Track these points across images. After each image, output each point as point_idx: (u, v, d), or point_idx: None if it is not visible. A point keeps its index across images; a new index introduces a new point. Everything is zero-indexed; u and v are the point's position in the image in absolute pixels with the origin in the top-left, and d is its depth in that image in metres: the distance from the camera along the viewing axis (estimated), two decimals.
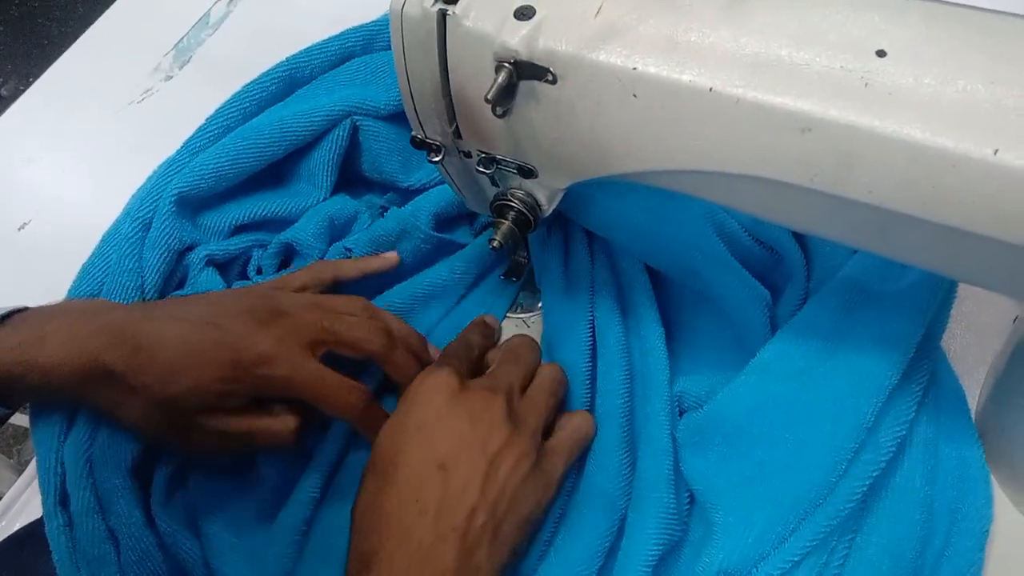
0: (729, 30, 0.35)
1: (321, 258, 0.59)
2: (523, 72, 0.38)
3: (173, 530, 0.48)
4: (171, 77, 0.74)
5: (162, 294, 0.56)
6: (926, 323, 0.46)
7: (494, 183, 0.47)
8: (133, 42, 0.77)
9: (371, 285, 0.57)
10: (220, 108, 0.61)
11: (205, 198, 0.58)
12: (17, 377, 0.45)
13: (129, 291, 0.54)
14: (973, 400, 0.50)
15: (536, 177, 0.44)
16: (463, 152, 0.45)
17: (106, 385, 0.46)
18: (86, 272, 0.56)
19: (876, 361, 0.45)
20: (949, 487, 0.46)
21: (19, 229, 0.67)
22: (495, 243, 0.47)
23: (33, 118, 0.74)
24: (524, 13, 0.37)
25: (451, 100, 0.41)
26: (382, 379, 0.53)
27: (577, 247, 0.55)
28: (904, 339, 0.45)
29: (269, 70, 0.62)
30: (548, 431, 0.48)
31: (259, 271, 0.59)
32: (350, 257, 0.58)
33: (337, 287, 0.56)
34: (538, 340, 0.55)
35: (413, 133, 0.46)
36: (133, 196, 0.58)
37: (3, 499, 0.57)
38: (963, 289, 0.51)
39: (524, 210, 0.46)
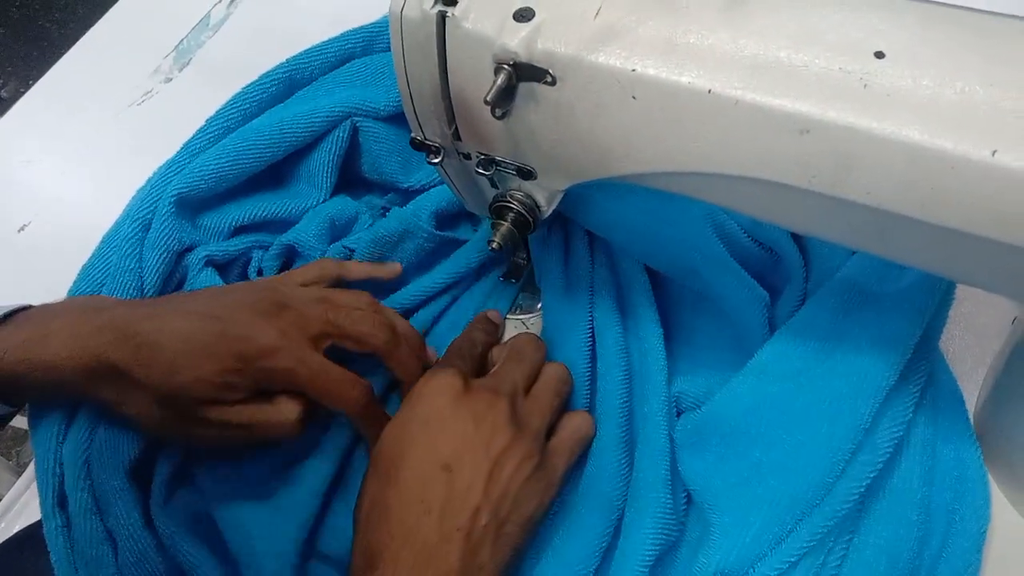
0: (728, 32, 0.35)
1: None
2: (522, 74, 0.38)
3: (172, 531, 0.48)
4: (171, 79, 0.74)
5: (161, 295, 0.56)
6: (924, 324, 0.46)
7: (493, 185, 0.47)
8: (133, 44, 0.77)
9: (373, 285, 0.57)
10: (220, 109, 0.61)
11: (205, 199, 0.58)
12: (22, 375, 0.45)
13: (129, 292, 0.54)
14: (972, 401, 0.50)
15: (535, 179, 0.44)
16: (462, 154, 0.45)
17: (110, 381, 0.46)
18: (86, 273, 0.56)
19: (874, 362, 0.45)
20: (947, 488, 0.46)
21: (19, 230, 0.67)
22: (494, 244, 0.47)
23: (33, 120, 0.74)
24: (523, 15, 0.37)
25: (450, 102, 0.42)
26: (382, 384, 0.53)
27: (577, 247, 0.55)
28: (902, 340, 0.45)
29: (269, 72, 0.62)
30: (550, 430, 0.48)
31: (259, 272, 0.59)
32: (351, 257, 0.59)
33: (341, 285, 0.56)
34: None
35: (412, 135, 0.46)
36: (133, 197, 0.58)
37: (2, 501, 0.56)
38: (962, 290, 0.51)
39: (523, 212, 0.46)
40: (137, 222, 0.56)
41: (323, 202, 0.61)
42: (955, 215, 0.32)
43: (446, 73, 0.40)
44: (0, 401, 0.48)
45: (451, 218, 0.61)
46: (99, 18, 0.80)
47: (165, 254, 0.55)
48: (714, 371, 0.51)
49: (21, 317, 0.48)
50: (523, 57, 0.37)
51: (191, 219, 0.58)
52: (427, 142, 0.46)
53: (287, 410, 0.48)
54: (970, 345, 0.53)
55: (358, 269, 0.57)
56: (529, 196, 0.46)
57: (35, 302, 0.50)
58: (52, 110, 0.74)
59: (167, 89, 0.74)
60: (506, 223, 0.47)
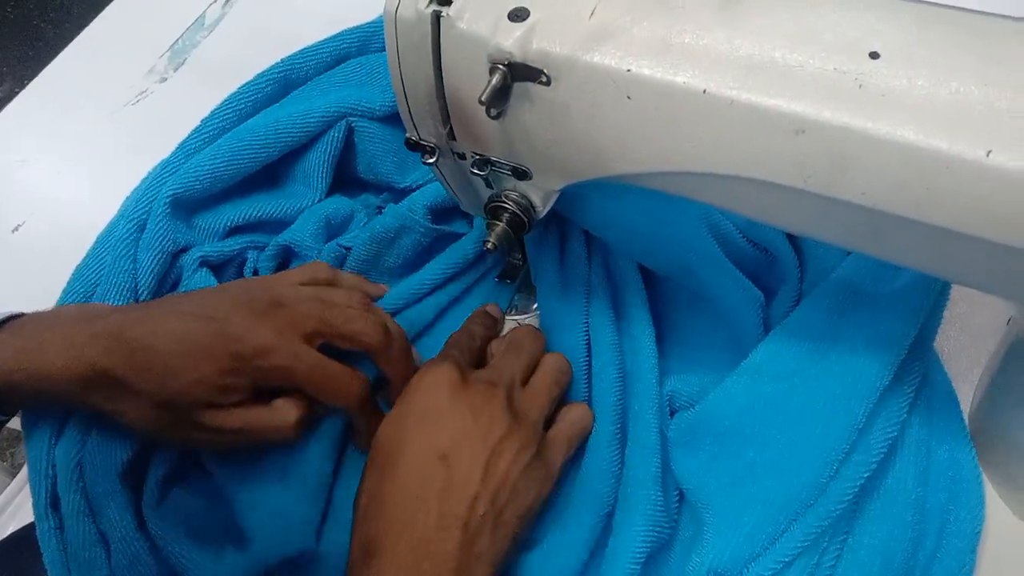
0: (723, 32, 0.35)
1: (318, 259, 0.58)
2: (517, 74, 0.38)
3: (164, 533, 0.48)
4: (166, 79, 0.74)
5: (156, 295, 0.55)
6: (918, 324, 0.46)
7: (488, 185, 0.47)
8: (128, 44, 0.77)
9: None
10: (215, 110, 0.61)
11: (200, 200, 0.58)
12: (17, 384, 0.45)
13: (123, 292, 0.54)
14: (967, 401, 0.50)
15: (530, 179, 0.44)
16: (457, 154, 0.45)
17: (106, 389, 0.46)
18: (80, 273, 0.55)
19: (868, 362, 0.45)
20: (941, 488, 0.46)
21: (13, 230, 0.67)
22: (489, 245, 0.47)
23: (28, 119, 0.74)
24: (518, 15, 0.37)
25: (445, 102, 0.41)
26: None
27: (573, 246, 0.55)
28: (896, 340, 0.45)
29: (264, 71, 0.62)
30: (548, 422, 0.48)
31: (255, 273, 0.59)
32: (347, 256, 0.58)
33: None
34: None
35: (407, 135, 0.46)
36: (128, 198, 0.58)
37: None
38: (957, 291, 0.51)
39: (518, 212, 0.46)
40: (132, 223, 0.56)
41: (318, 202, 0.61)
42: (950, 215, 0.32)
43: (441, 73, 0.40)
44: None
45: (446, 213, 0.61)
46: (94, 17, 0.80)
47: (160, 255, 0.55)
48: (708, 371, 0.51)
49: (15, 325, 0.48)
50: (518, 57, 0.37)
51: (186, 220, 0.58)
52: (422, 142, 0.46)
53: (285, 414, 0.48)
54: (965, 345, 0.53)
55: (350, 279, 0.57)
56: (524, 196, 0.46)
57: (30, 302, 0.50)
58: (47, 110, 0.74)
59: (162, 89, 0.74)
60: (501, 223, 0.47)
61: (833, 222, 0.36)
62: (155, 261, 0.55)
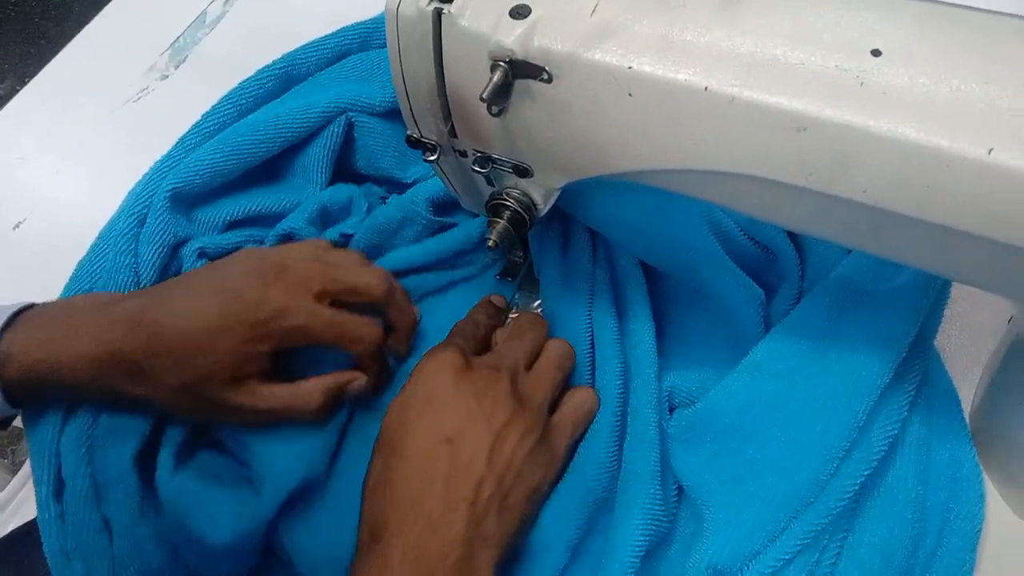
0: (724, 29, 0.35)
1: None
2: (518, 71, 0.38)
3: (178, 500, 0.48)
4: (167, 76, 0.74)
5: None
6: (919, 323, 0.46)
7: (489, 182, 0.47)
8: (129, 41, 0.77)
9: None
10: (216, 105, 0.61)
11: (200, 194, 0.58)
12: (41, 375, 0.46)
13: (125, 287, 0.54)
14: (967, 400, 0.50)
15: (531, 176, 0.44)
16: (458, 151, 0.45)
17: (132, 374, 0.47)
18: (82, 269, 0.56)
19: (868, 360, 0.45)
20: (941, 487, 0.46)
21: (14, 228, 0.67)
22: (491, 242, 0.47)
23: (28, 117, 0.74)
24: (519, 12, 0.37)
25: (446, 99, 0.41)
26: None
27: (576, 242, 0.55)
28: (897, 339, 0.45)
29: (265, 67, 0.62)
30: (553, 406, 0.49)
31: None
32: (347, 245, 0.59)
33: None
34: None
35: (409, 132, 0.46)
36: (129, 193, 0.58)
37: None
38: (957, 289, 0.51)
39: (520, 209, 0.46)
40: (132, 217, 0.56)
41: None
42: (951, 213, 0.32)
43: (442, 70, 0.40)
44: (13, 403, 0.48)
45: (449, 206, 0.61)
46: (95, 15, 0.80)
47: (160, 248, 0.55)
48: (708, 367, 0.51)
49: (31, 316, 0.48)
50: (519, 54, 0.37)
51: (186, 213, 0.58)
52: (423, 140, 0.46)
53: (309, 397, 0.49)
54: (965, 344, 0.53)
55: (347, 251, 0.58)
56: (525, 194, 0.46)
57: (30, 300, 0.50)
58: (47, 107, 0.73)
59: (163, 86, 0.74)
60: (502, 221, 0.47)
61: (834, 220, 0.36)
62: (156, 254, 0.55)
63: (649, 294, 0.53)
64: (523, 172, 0.44)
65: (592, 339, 0.52)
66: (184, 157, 0.58)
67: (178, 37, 0.77)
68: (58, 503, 0.49)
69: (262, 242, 0.59)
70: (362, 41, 0.64)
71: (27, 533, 0.53)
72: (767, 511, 0.43)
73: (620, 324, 0.52)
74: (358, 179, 0.64)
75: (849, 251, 0.50)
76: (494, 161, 0.44)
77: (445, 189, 0.58)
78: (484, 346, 0.52)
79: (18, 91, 0.75)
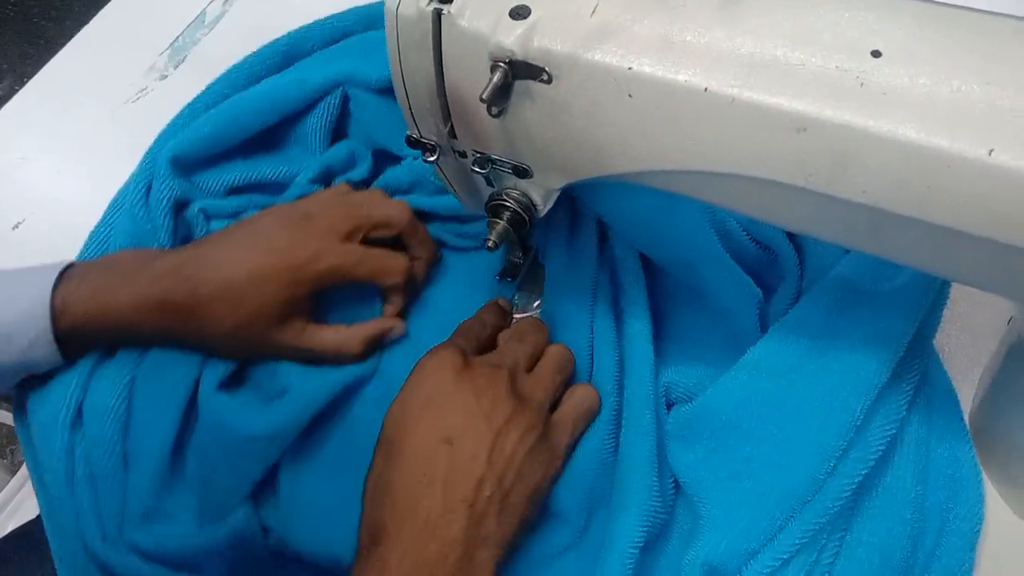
0: (724, 30, 0.35)
1: None
2: (518, 72, 0.38)
3: (217, 409, 0.50)
4: (166, 76, 0.74)
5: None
6: (917, 322, 0.46)
7: (489, 183, 0.47)
8: (128, 41, 0.77)
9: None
10: (220, 76, 0.63)
11: (200, 160, 0.60)
12: (93, 326, 0.49)
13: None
14: (968, 400, 0.50)
15: (531, 177, 0.44)
16: (458, 152, 0.45)
17: (181, 320, 0.50)
18: (94, 238, 0.58)
19: (866, 360, 0.45)
20: (940, 487, 0.46)
21: (13, 228, 0.66)
22: (490, 243, 0.47)
23: (28, 117, 0.73)
24: (519, 12, 0.37)
25: (446, 100, 0.41)
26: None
27: (582, 231, 0.55)
28: (895, 338, 0.45)
29: (269, 43, 0.64)
30: (553, 408, 0.49)
31: None
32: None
33: None
34: None
35: (408, 133, 0.46)
36: (137, 165, 0.60)
37: None
38: (958, 289, 0.51)
39: (519, 210, 0.46)
40: (140, 185, 0.58)
41: None
42: (951, 214, 0.32)
43: (442, 71, 0.40)
44: (65, 354, 0.50)
45: None
46: (95, 15, 0.80)
47: (165, 210, 0.57)
48: (706, 365, 0.51)
49: (78, 272, 0.51)
50: (519, 55, 0.37)
51: (187, 179, 0.59)
52: (423, 140, 0.45)
53: (351, 342, 0.53)
54: (965, 344, 0.53)
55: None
56: (525, 195, 0.46)
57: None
58: (47, 107, 0.73)
59: (162, 86, 0.74)
60: (502, 221, 0.47)
61: (834, 220, 0.36)
62: (163, 216, 0.57)
63: (648, 291, 0.53)
64: (523, 173, 0.44)
65: (592, 331, 0.52)
66: (186, 125, 0.60)
67: (177, 37, 0.76)
68: (72, 434, 0.50)
69: (264, 207, 0.60)
70: (367, 22, 0.66)
71: (26, 533, 0.53)
72: (763, 509, 0.43)
73: (618, 318, 0.52)
74: None
75: (848, 251, 0.50)
76: (494, 162, 0.44)
77: None
78: (488, 347, 0.52)
79: (17, 91, 0.75)
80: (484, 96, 0.37)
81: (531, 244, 0.58)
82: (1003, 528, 0.47)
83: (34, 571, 0.49)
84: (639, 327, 0.51)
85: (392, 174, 0.60)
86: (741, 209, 0.40)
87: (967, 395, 0.50)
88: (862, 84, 0.32)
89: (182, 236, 0.58)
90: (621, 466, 0.47)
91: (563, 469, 0.47)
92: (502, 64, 0.37)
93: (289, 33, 0.64)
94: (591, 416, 0.49)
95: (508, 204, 0.46)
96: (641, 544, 0.44)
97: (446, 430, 0.44)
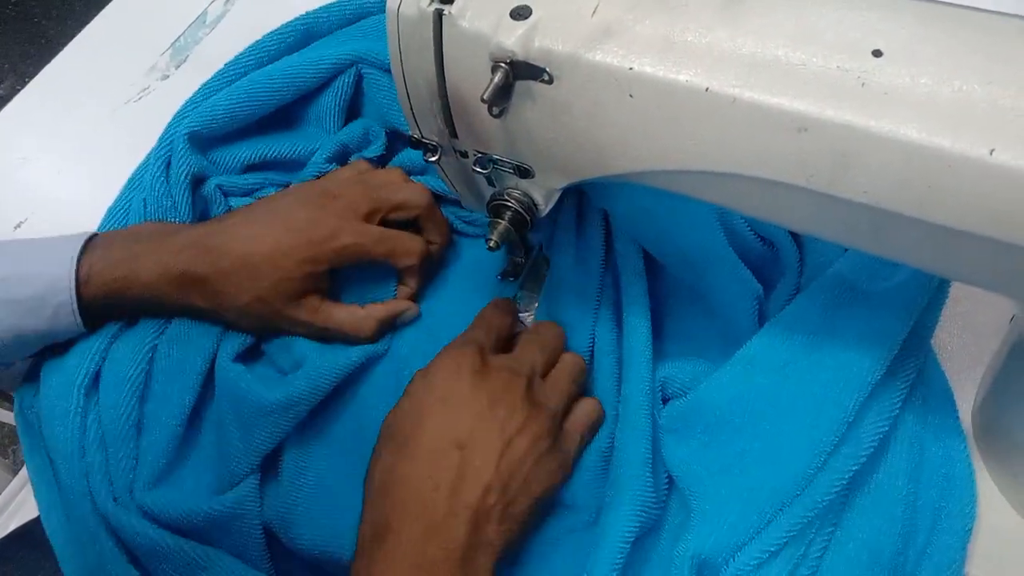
0: (726, 30, 0.35)
1: None
2: (519, 72, 0.38)
3: (233, 378, 0.51)
4: (168, 76, 0.74)
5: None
6: (912, 321, 0.46)
7: (491, 183, 0.47)
8: (130, 41, 0.77)
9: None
10: (238, 55, 0.64)
11: (217, 137, 0.61)
12: (118, 293, 0.51)
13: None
14: (970, 400, 0.50)
15: (532, 177, 0.44)
16: (459, 152, 0.45)
17: (201, 291, 0.51)
18: (113, 212, 0.59)
19: (860, 357, 0.45)
20: (934, 485, 0.46)
21: (15, 228, 0.66)
22: (492, 243, 0.47)
23: (29, 117, 0.73)
24: (520, 13, 0.37)
25: (447, 100, 0.41)
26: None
27: (591, 226, 0.55)
28: (889, 336, 0.45)
29: (287, 23, 0.65)
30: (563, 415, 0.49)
31: None
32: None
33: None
34: None
35: (410, 133, 0.46)
36: (156, 142, 0.61)
37: None
38: (959, 288, 0.51)
39: (521, 210, 0.46)
40: (160, 160, 0.58)
41: None
42: (952, 214, 0.32)
43: (443, 71, 0.40)
44: (87, 322, 0.51)
45: None
46: (96, 15, 0.80)
47: (184, 185, 0.58)
48: (702, 360, 0.51)
49: (101, 243, 0.52)
50: (520, 55, 0.37)
51: (204, 154, 0.60)
52: (424, 140, 0.46)
53: (364, 323, 0.54)
54: (967, 343, 0.53)
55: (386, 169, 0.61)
56: (527, 194, 0.46)
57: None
58: (48, 107, 0.73)
59: (164, 86, 0.74)
60: (503, 221, 0.47)
61: (835, 220, 0.36)
62: (184, 192, 0.57)
63: (649, 287, 0.53)
64: (524, 173, 0.44)
65: (594, 333, 0.52)
66: (204, 101, 0.61)
67: (179, 37, 0.76)
68: (87, 399, 0.51)
69: (280, 185, 0.62)
70: (383, 4, 0.65)
71: (27, 532, 0.53)
72: (753, 503, 0.43)
73: (619, 317, 0.52)
74: None
75: (846, 249, 0.50)
76: (495, 162, 0.44)
77: None
78: (507, 344, 0.52)
79: (19, 91, 0.75)
80: (485, 96, 0.37)
81: (533, 244, 0.58)
82: (1004, 527, 0.46)
83: (35, 570, 0.49)
84: (638, 324, 0.51)
85: (406, 155, 0.61)
86: (742, 209, 0.40)
87: (969, 394, 0.50)
88: (863, 84, 0.32)
89: (199, 212, 0.59)
90: (616, 462, 0.47)
91: (569, 478, 0.48)
92: (503, 64, 0.37)
93: (307, 13, 0.65)
94: (596, 429, 0.50)
95: (509, 204, 0.46)
96: (632, 539, 0.44)
97: (458, 434, 0.44)
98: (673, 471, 0.47)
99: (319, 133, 0.63)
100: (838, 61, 0.33)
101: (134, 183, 0.61)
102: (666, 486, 0.48)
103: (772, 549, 0.43)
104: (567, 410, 0.49)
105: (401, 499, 0.43)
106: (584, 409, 0.49)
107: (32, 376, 0.54)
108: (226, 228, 0.53)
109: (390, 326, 0.56)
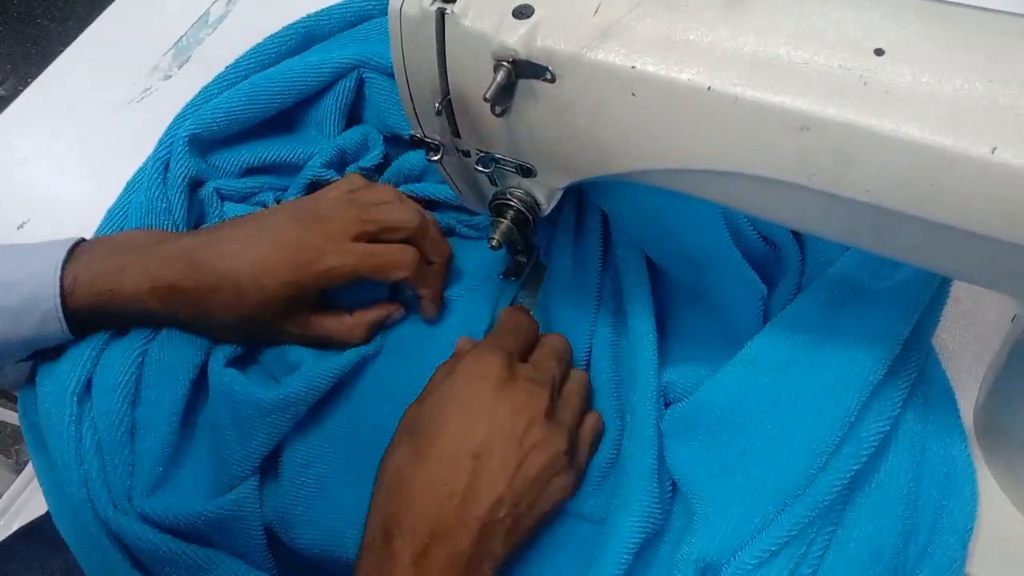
0: (727, 29, 0.35)
1: None
2: (522, 71, 0.38)
3: (227, 381, 0.51)
4: (170, 76, 0.74)
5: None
6: (914, 320, 0.46)
7: (493, 182, 0.47)
8: (132, 41, 0.77)
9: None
10: (240, 58, 0.64)
11: (217, 140, 0.61)
12: (103, 304, 0.50)
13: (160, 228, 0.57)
14: (972, 398, 0.50)
15: (535, 176, 0.44)
16: (462, 151, 0.45)
17: (187, 305, 0.51)
18: (112, 214, 0.59)
19: (862, 356, 0.45)
20: (935, 484, 0.46)
21: (18, 228, 0.67)
22: (494, 242, 0.47)
23: (31, 118, 0.74)
24: (522, 12, 0.37)
25: (450, 99, 0.41)
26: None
27: (589, 229, 0.55)
28: (891, 335, 0.45)
29: (289, 25, 0.64)
30: None
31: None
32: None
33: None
34: None
35: (412, 132, 0.46)
36: (155, 144, 0.61)
37: (1, 499, 0.57)
38: (961, 287, 0.51)
39: (523, 209, 0.46)
40: (159, 162, 0.58)
41: None
42: (954, 213, 0.32)
43: (445, 70, 0.40)
44: (74, 332, 0.51)
45: None
46: (98, 15, 0.80)
47: (182, 188, 0.57)
48: (705, 362, 0.51)
49: (89, 250, 0.51)
50: (522, 54, 0.37)
51: (203, 158, 0.60)
52: (427, 139, 0.46)
53: (354, 330, 0.54)
54: (969, 342, 0.53)
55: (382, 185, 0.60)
56: (529, 194, 0.46)
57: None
58: (50, 108, 0.74)
59: (166, 87, 0.74)
60: (506, 221, 0.47)
61: (837, 219, 0.36)
62: (179, 193, 0.57)
63: (651, 290, 0.53)
64: (526, 172, 0.44)
65: (592, 337, 0.52)
66: (204, 104, 0.61)
67: (181, 37, 0.77)
68: (80, 406, 0.51)
69: (278, 189, 0.62)
70: (384, 7, 0.65)
71: (33, 529, 0.53)
72: (755, 504, 0.43)
73: (620, 322, 0.52)
74: None
75: (848, 248, 0.50)
76: (497, 161, 0.44)
77: None
78: (530, 352, 0.52)
79: (21, 91, 0.75)
80: (488, 96, 0.37)
81: (535, 243, 0.58)
82: (1005, 526, 0.46)
83: (41, 567, 0.49)
84: (643, 329, 0.51)
85: (405, 160, 0.61)
86: (744, 208, 0.40)
87: (971, 392, 0.50)
88: (865, 83, 0.32)
89: (195, 215, 0.59)
90: (623, 472, 0.47)
91: (576, 492, 0.48)
92: (505, 63, 0.37)
93: (308, 15, 0.65)
94: (599, 443, 0.50)
95: (512, 203, 0.46)
96: (636, 549, 0.44)
97: (476, 444, 0.44)
98: (675, 474, 0.47)
99: (319, 137, 0.63)
100: (840, 60, 0.33)
101: (133, 186, 0.61)
102: (670, 494, 0.48)
103: (773, 548, 0.43)
104: (577, 425, 0.49)
105: (412, 502, 0.43)
106: (590, 424, 0.49)
107: (34, 378, 0.54)
108: (216, 241, 0.52)
109: (380, 329, 0.56)
